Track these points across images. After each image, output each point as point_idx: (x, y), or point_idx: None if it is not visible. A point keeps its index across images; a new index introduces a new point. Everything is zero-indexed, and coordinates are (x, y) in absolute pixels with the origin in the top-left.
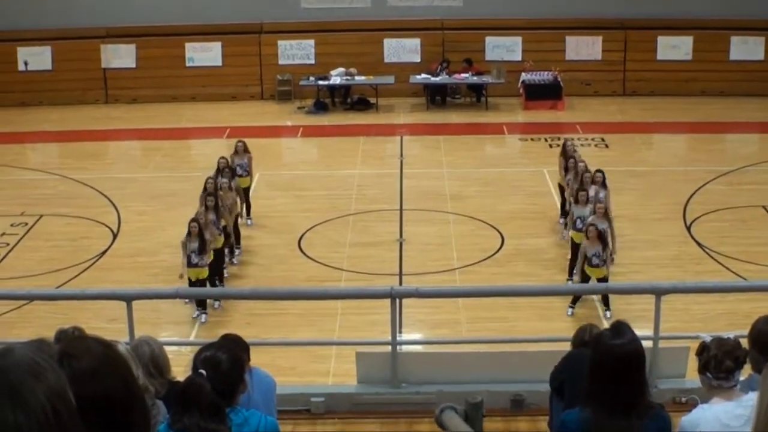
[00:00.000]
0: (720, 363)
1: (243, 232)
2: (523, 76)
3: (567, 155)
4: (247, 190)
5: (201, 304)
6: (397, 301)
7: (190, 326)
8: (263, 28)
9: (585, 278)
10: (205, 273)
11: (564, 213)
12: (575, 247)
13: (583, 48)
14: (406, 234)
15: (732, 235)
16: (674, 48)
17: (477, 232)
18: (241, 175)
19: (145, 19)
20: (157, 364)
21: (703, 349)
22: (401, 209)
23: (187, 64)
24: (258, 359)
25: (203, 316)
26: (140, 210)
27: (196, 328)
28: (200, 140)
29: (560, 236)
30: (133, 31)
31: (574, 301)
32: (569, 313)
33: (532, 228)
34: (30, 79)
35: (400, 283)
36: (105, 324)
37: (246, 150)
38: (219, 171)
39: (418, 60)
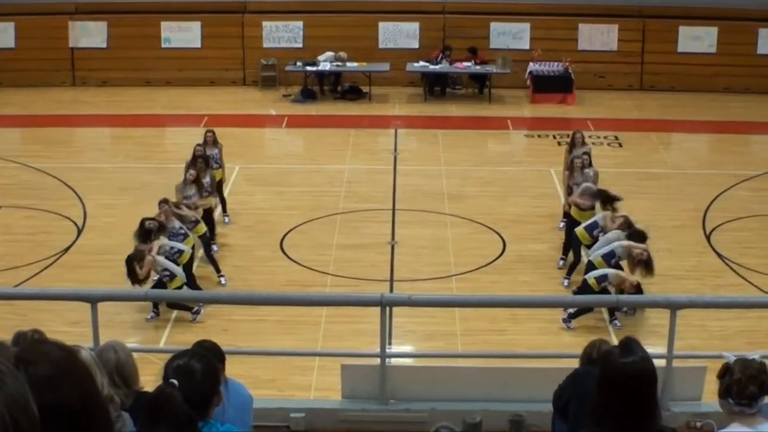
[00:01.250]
0: (743, 388)
1: (219, 230)
2: (531, 66)
3: (575, 148)
4: (220, 184)
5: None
6: (388, 309)
7: (161, 331)
8: (247, 8)
9: (589, 291)
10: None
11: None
12: (577, 242)
13: (597, 37)
14: (399, 236)
15: (755, 245)
16: (697, 39)
17: (476, 235)
18: (211, 167)
19: None
20: (123, 372)
21: (725, 372)
22: (394, 209)
23: (163, 45)
24: (233, 370)
25: (153, 314)
26: (108, 203)
27: (166, 334)
28: (175, 128)
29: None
30: (105, 8)
31: (575, 315)
32: (566, 326)
33: (537, 233)
34: None
35: (391, 290)
36: (67, 327)
37: (216, 141)
38: (194, 160)
39: (416, 46)
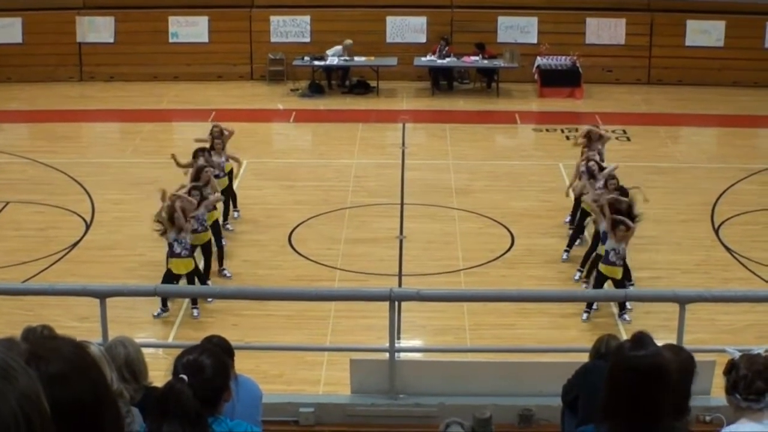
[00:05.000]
0: (750, 384)
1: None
2: (539, 60)
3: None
4: (230, 177)
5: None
6: (396, 304)
7: (169, 327)
8: (254, 2)
9: (601, 278)
10: (190, 265)
11: (574, 221)
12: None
13: (605, 31)
14: (407, 231)
15: (763, 239)
16: (704, 33)
17: (485, 230)
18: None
19: None
20: (132, 367)
21: (731, 368)
22: (402, 203)
23: (170, 40)
24: (242, 365)
25: (161, 311)
26: (116, 198)
27: (175, 329)
28: (183, 123)
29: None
30: (112, 3)
31: (591, 306)
32: (584, 317)
33: (545, 227)
34: None
35: (400, 285)
36: (76, 322)
37: (222, 133)
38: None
39: (424, 40)
